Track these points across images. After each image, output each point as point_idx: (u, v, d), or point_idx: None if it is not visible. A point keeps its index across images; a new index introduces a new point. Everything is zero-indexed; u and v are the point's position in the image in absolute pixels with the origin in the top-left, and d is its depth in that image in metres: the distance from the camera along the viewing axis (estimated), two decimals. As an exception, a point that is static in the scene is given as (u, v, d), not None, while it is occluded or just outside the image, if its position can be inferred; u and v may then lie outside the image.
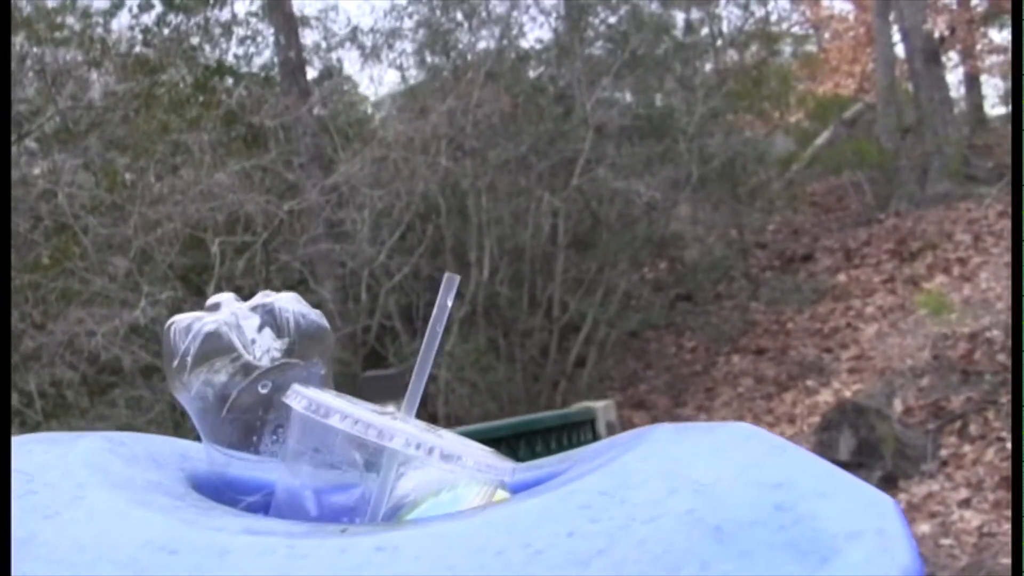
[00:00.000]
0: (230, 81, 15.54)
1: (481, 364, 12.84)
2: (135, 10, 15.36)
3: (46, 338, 10.83)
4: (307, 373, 1.18)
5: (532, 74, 16.18)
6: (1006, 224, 15.80)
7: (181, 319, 1.21)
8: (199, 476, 1.15)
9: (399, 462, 0.97)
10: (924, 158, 18.01)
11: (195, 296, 12.54)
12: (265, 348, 1.16)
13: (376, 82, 18.25)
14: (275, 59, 15.88)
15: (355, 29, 16.31)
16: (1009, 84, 23.83)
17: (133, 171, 13.23)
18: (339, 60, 16.94)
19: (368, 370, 11.93)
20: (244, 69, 16.08)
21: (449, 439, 0.99)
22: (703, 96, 15.56)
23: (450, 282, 1.06)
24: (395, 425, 0.99)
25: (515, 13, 15.76)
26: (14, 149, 12.09)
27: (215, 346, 1.15)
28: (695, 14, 17.58)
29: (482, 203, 13.52)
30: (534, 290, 13.87)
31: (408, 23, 16.15)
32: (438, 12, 15.83)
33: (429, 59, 16.13)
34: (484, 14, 15.52)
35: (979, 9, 22.51)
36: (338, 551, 0.84)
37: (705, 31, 17.70)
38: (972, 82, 24.19)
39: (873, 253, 16.40)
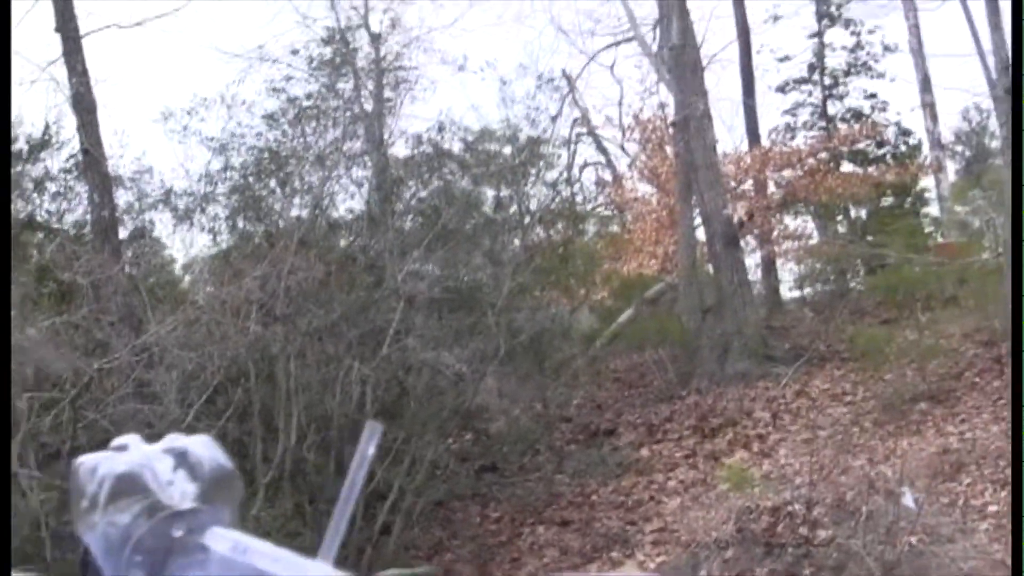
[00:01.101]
0: (40, 236, 15.38)
1: (287, 529, 12.65)
2: (-57, 161, 15.16)
3: None
4: (218, 517, 1.23)
5: (343, 243, 16.31)
6: (803, 402, 16.31)
7: (89, 459, 1.25)
8: None
9: None
10: (724, 338, 18.47)
11: (-2, 453, 12.24)
12: (180, 491, 1.21)
13: (187, 244, 18.20)
14: (88, 216, 15.77)
15: (169, 191, 16.32)
16: (801, 269, 24.77)
17: (-67, 323, 12.95)
18: (151, 221, 16.89)
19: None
20: (56, 225, 15.92)
21: None
22: (511, 271, 15.82)
23: (372, 431, 1.14)
24: (316, 567, 1.06)
25: (328, 184, 15.94)
26: None
27: (129, 486, 1.18)
28: (504, 191, 17.94)
29: (291, 369, 13.47)
30: (341, 457, 13.78)
31: (221, 188, 16.22)
32: (251, 179, 15.92)
33: (241, 224, 16.17)
34: (297, 183, 15.66)
35: (775, 197, 23.43)
36: None
37: (514, 208, 18.04)
38: (769, 266, 25.02)
39: (675, 428, 16.69)
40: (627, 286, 21.10)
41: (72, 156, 15.99)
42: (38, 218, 16.12)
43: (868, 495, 11.37)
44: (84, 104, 15.51)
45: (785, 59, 29.70)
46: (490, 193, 17.85)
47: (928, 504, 11.37)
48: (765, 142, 26.65)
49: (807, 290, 24.81)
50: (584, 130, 27.08)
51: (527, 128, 19.20)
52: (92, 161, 15.26)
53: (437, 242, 15.44)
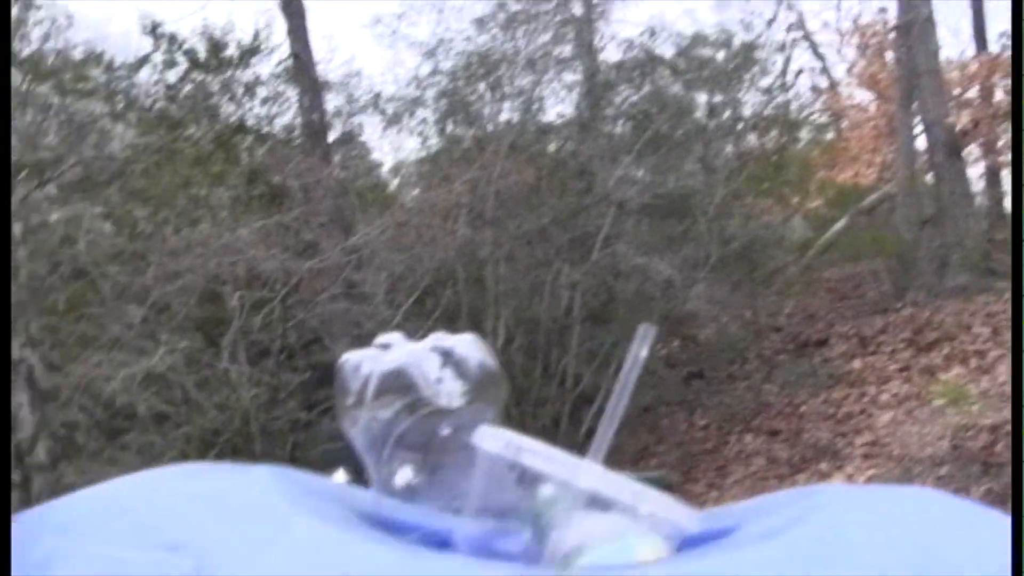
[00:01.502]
0: (250, 140, 15.66)
1: (499, 428, 12.76)
2: (160, 66, 15.50)
3: (62, 380, 10.83)
4: (483, 418, 1.17)
5: (553, 148, 16.25)
6: (1026, 318, 15.72)
7: (354, 356, 1.27)
8: (363, 513, 1.15)
9: (576, 506, 0.97)
10: (943, 250, 17.94)
11: (212, 348, 12.56)
12: (449, 390, 1.20)
13: (395, 148, 18.47)
14: (297, 120, 15.98)
15: (377, 96, 16.45)
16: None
17: (152, 223, 13.29)
18: (360, 125, 17.06)
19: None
20: (265, 129, 16.18)
21: (634, 487, 0.98)
22: (724, 178, 15.60)
23: (645, 332, 1.05)
24: (588, 467, 0.98)
25: (538, 88, 15.86)
26: (36, 193, 12.16)
27: (396, 383, 1.20)
28: (717, 97, 17.65)
29: (500, 272, 13.52)
30: (548, 361, 13.82)
31: (430, 92, 16.29)
32: (460, 83, 15.93)
33: (450, 128, 16.21)
34: (507, 87, 15.61)
35: (1001, 105, 22.60)
36: None
37: (727, 114, 17.74)
38: (992, 177, 24.18)
39: (889, 341, 16.31)
40: (842, 195, 20.64)
41: (282, 62, 16.18)
42: (248, 122, 16.38)
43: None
44: (293, 9, 15.65)
45: (1015, -41, 28.57)
46: (702, 99, 17.56)
47: None
48: (993, 47, 25.68)
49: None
50: (800, 35, 26.44)
51: (741, 33, 18.88)
52: (301, 66, 15.43)
53: (648, 148, 15.27)
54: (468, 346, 1.24)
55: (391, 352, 1.23)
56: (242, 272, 12.22)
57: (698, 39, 18.01)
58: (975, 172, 22.87)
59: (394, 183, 17.41)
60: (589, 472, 0.96)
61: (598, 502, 0.96)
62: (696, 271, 14.92)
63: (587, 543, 0.97)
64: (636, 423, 14.83)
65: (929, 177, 19.87)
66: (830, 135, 24.77)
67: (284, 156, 14.07)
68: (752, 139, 18.62)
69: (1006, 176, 24.49)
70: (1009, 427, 11.67)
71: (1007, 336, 15.26)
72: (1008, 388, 13.46)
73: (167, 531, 0.92)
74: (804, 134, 22.11)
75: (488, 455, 1.00)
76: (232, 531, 0.92)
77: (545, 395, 13.64)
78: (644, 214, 15.04)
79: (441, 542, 1.09)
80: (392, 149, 24.73)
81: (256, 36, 15.76)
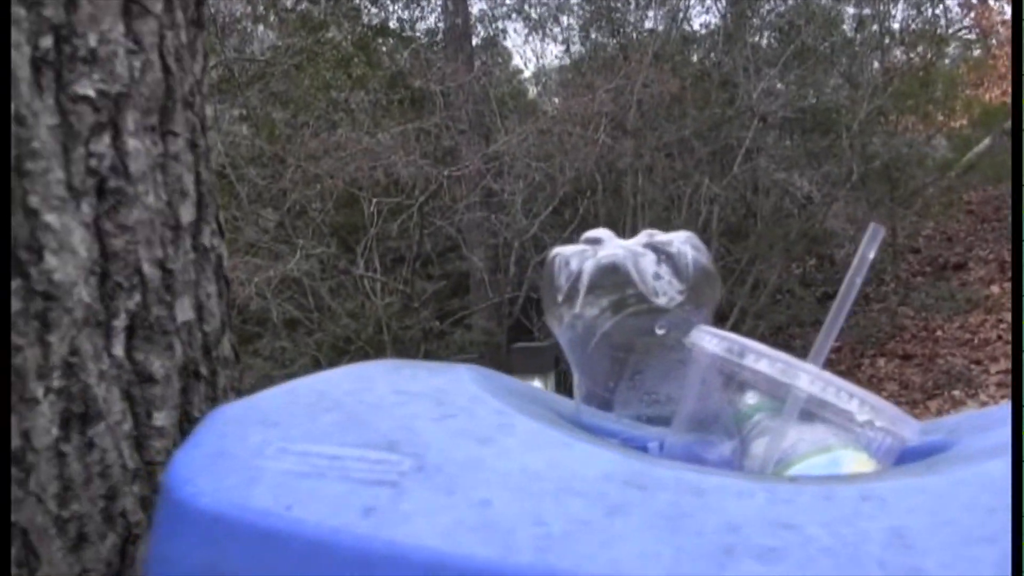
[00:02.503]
0: (391, 43, 15.63)
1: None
2: (302, -32, 15.49)
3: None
4: (698, 319, 1.11)
5: (696, 58, 16.04)
6: None
7: (563, 251, 1.19)
8: (563, 416, 1.14)
9: (791, 414, 0.95)
10: (1093, 173, 17.51)
11: (347, 254, 12.61)
12: (665, 289, 1.14)
13: (537, 54, 18.37)
14: (440, 24, 15.91)
15: (523, 0, 16.31)
16: None
17: (291, 126, 13.32)
18: (503, 30, 16.95)
19: (513, 342, 11.89)
20: (407, 32, 16.13)
21: (857, 392, 0.95)
22: (869, 94, 15.28)
23: (874, 233, 1.00)
24: (810, 369, 0.93)
25: (684, -4, 15.66)
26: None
27: (612, 279, 1.17)
28: (865, 10, 17.25)
29: (639, 184, 13.41)
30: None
31: (575, -1, 16.13)
32: (606, -10, 15.77)
33: (594, 36, 16.05)
34: (652, -5, 15.43)
35: None
36: (822, 498, 0.81)
37: (874, 28, 17.34)
38: None
39: (1030, 266, 16.01)
40: (988, 114, 20.13)
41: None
42: (391, 25, 16.35)
43: None
44: (439, -92, 15.54)
45: None
46: (850, 11, 17.17)
47: None
48: None
49: None
50: (950, -52, 25.81)
51: (893, -56, 18.41)
52: (447, -32, 15.32)
53: (794, 60, 15.01)
54: (684, 243, 1.21)
55: (603, 247, 1.19)
56: (381, 177, 12.20)
57: (849, -50, 17.62)
58: None
59: (534, 90, 17.29)
60: (812, 375, 0.96)
61: (806, 412, 0.95)
62: (836, 188, 14.69)
63: (791, 455, 0.95)
64: (769, 342, 14.50)
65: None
66: (978, 52, 24.21)
67: (426, 60, 13.99)
68: (899, 54, 18.21)
69: None
70: None
71: None
72: None
73: (379, 428, 0.92)
74: (952, 50, 21.55)
75: (705, 358, 1.00)
76: (448, 429, 0.92)
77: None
78: (786, 128, 14.84)
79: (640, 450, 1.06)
80: (534, 55, 24.65)
81: (399, -63, 15.67)
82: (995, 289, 15.62)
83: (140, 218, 1.39)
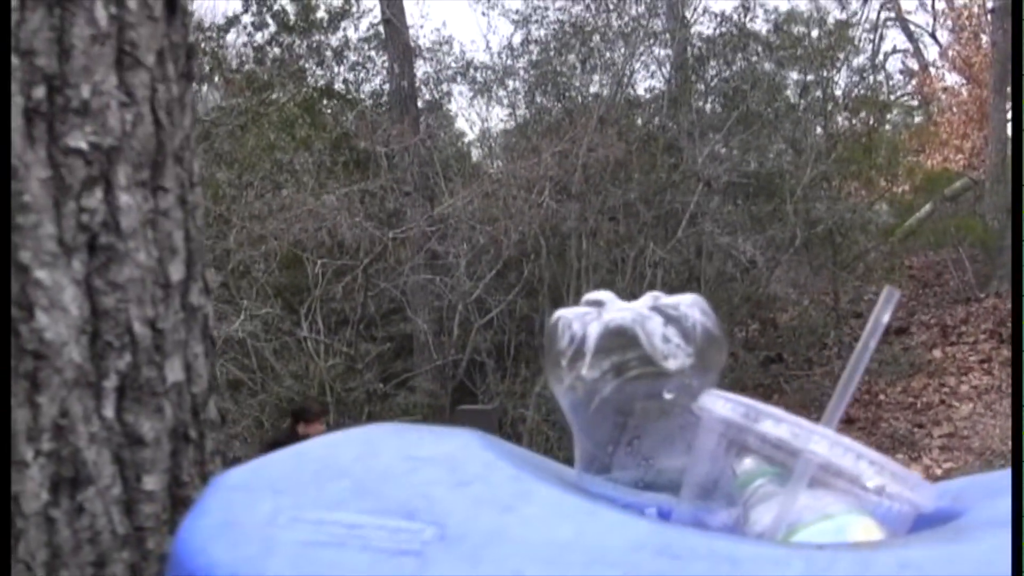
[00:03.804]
0: (336, 104, 15.67)
1: (570, 407, 12.68)
2: (249, 28, 15.52)
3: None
4: (702, 385, 1.12)
5: (641, 122, 16.13)
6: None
7: (568, 313, 1.19)
8: (567, 483, 1.12)
9: (802, 480, 0.93)
10: (1030, 240, 17.73)
11: (291, 315, 12.56)
12: (673, 352, 1.13)
13: (481, 118, 18.63)
14: (385, 87, 15.96)
15: (468, 64, 16.37)
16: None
17: (236, 187, 13.29)
18: (448, 93, 17.01)
19: (457, 405, 11.86)
20: (352, 94, 16.17)
21: (874, 457, 0.94)
22: (813, 159, 15.42)
23: (889, 296, 1.01)
24: (825, 433, 0.95)
25: (629, 61, 15.74)
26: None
27: (618, 342, 1.13)
28: (809, 76, 17.45)
29: (583, 247, 13.43)
30: (629, 338, 13.76)
31: (521, 62, 16.18)
32: (552, 54, 15.83)
33: (539, 99, 16.11)
34: (598, 59, 15.50)
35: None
36: (859, 566, 0.80)
37: (818, 94, 17.55)
38: (1081, 167, 23.93)
39: (970, 332, 16.20)
40: (929, 180, 20.38)
41: (373, 26, 16.17)
42: (336, 86, 16.40)
43: None
44: (388, -28, 15.58)
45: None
46: (794, 77, 17.39)
47: None
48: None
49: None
50: (892, 15, 26.15)
51: (835, 11, 18.66)
52: (393, 31, 15.35)
53: (738, 125, 15.16)
54: (691, 306, 1.18)
55: (606, 309, 1.17)
56: (325, 239, 12.20)
57: (792, 15, 17.82)
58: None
59: (478, 153, 17.36)
60: (831, 440, 0.93)
61: (812, 478, 0.93)
62: (779, 253, 14.81)
63: (796, 522, 0.92)
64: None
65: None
66: (920, 118, 24.57)
67: (372, 122, 14.02)
68: (841, 120, 18.42)
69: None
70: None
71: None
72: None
73: (394, 495, 0.90)
74: (894, 117, 21.87)
75: (717, 423, 0.97)
76: (466, 496, 0.89)
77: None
78: (731, 193, 14.94)
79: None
80: (478, 119, 24.76)
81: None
82: (937, 353, 15.75)
83: (131, 276, 1.37)
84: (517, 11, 16.51)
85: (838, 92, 17.99)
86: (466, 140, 17.88)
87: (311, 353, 12.39)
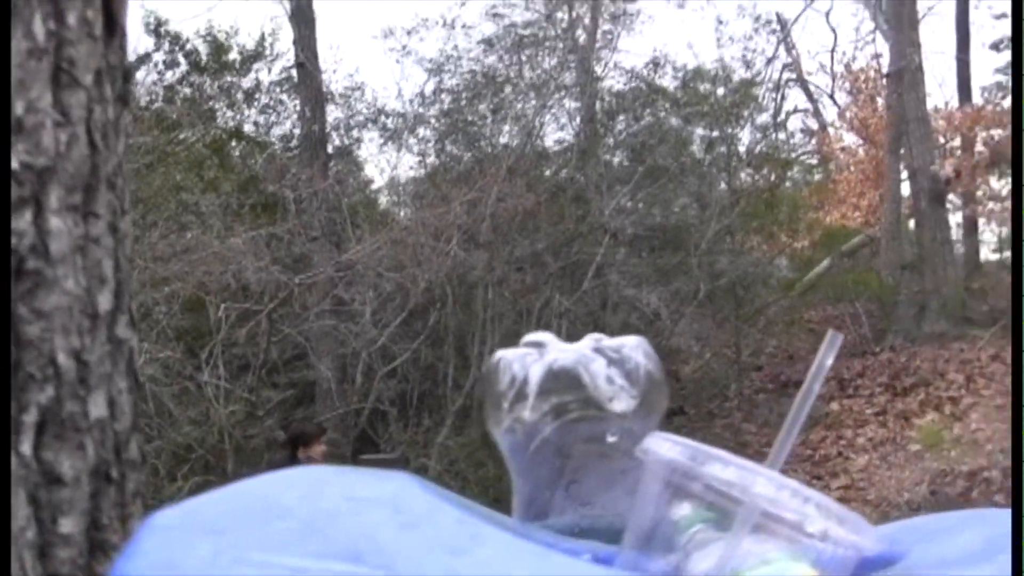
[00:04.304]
0: (245, 147, 15.57)
1: (474, 459, 12.64)
2: (160, 67, 15.38)
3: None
4: (644, 428, 1.09)
5: (550, 174, 16.21)
6: (998, 367, 15.84)
7: (508, 354, 1.18)
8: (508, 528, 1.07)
9: (746, 524, 0.90)
10: (922, 296, 18.10)
11: (192, 359, 12.37)
12: (618, 394, 1.12)
13: (391, 165, 18.65)
14: (295, 131, 15.89)
15: (380, 110, 16.36)
16: (1004, 231, 24.12)
17: (139, 227, 13.11)
18: (358, 139, 16.97)
19: (359, 453, 11.77)
20: (262, 137, 16.08)
21: (819, 499, 0.91)
22: (717, 213, 15.59)
23: (832, 340, 1.02)
24: (770, 475, 0.93)
25: (540, 113, 15.83)
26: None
27: (561, 383, 1.12)
28: (714, 132, 17.68)
29: (489, 297, 13.42)
30: (532, 389, 13.75)
31: (433, 110, 16.21)
32: (464, 103, 15.88)
33: (449, 148, 16.14)
34: (509, 110, 15.57)
35: (983, 156, 22.78)
36: None
37: (722, 149, 17.77)
38: (971, 226, 24.42)
39: (867, 385, 16.40)
40: (829, 236, 20.73)
41: (286, 69, 16.11)
42: (245, 128, 16.30)
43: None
44: (304, 17, 15.51)
45: (1002, 16, 28.75)
46: (699, 132, 17.59)
47: None
48: (977, 100, 25.97)
49: (1008, 253, 24.27)
50: (794, 76, 26.60)
51: (741, 69, 18.94)
52: (306, 75, 15.30)
53: (645, 179, 15.28)
54: (634, 349, 1.17)
55: (547, 351, 1.16)
56: (230, 282, 12.04)
57: (699, 73, 18.07)
58: (954, 221, 23.17)
59: (387, 200, 17.31)
60: (776, 483, 0.91)
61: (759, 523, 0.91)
62: (684, 305, 14.90)
63: (738, 568, 0.90)
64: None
65: (912, 223, 20.05)
66: (818, 176, 24.99)
67: (280, 166, 13.92)
68: (745, 176, 18.66)
69: (983, 227, 24.81)
70: (984, 474, 11.77)
71: (980, 384, 15.39)
72: (979, 435, 13.57)
73: (339, 537, 0.86)
74: (795, 174, 22.21)
75: (661, 467, 0.94)
76: (414, 539, 0.86)
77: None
78: (636, 245, 15.03)
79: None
80: (387, 166, 24.70)
81: (261, 41, 15.66)
82: (835, 406, 15.93)
83: (58, 304, 1.32)
84: (431, 59, 16.60)
85: (742, 148, 18.27)
86: (374, 187, 17.86)
87: (211, 399, 12.17)
